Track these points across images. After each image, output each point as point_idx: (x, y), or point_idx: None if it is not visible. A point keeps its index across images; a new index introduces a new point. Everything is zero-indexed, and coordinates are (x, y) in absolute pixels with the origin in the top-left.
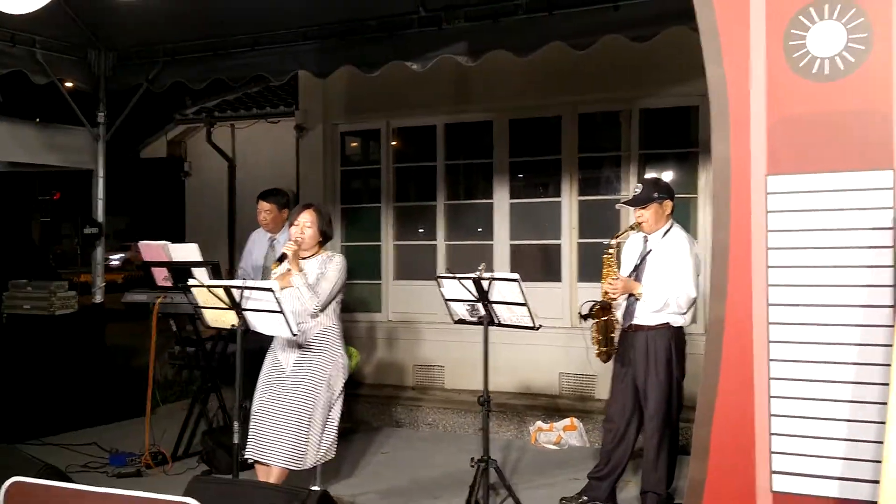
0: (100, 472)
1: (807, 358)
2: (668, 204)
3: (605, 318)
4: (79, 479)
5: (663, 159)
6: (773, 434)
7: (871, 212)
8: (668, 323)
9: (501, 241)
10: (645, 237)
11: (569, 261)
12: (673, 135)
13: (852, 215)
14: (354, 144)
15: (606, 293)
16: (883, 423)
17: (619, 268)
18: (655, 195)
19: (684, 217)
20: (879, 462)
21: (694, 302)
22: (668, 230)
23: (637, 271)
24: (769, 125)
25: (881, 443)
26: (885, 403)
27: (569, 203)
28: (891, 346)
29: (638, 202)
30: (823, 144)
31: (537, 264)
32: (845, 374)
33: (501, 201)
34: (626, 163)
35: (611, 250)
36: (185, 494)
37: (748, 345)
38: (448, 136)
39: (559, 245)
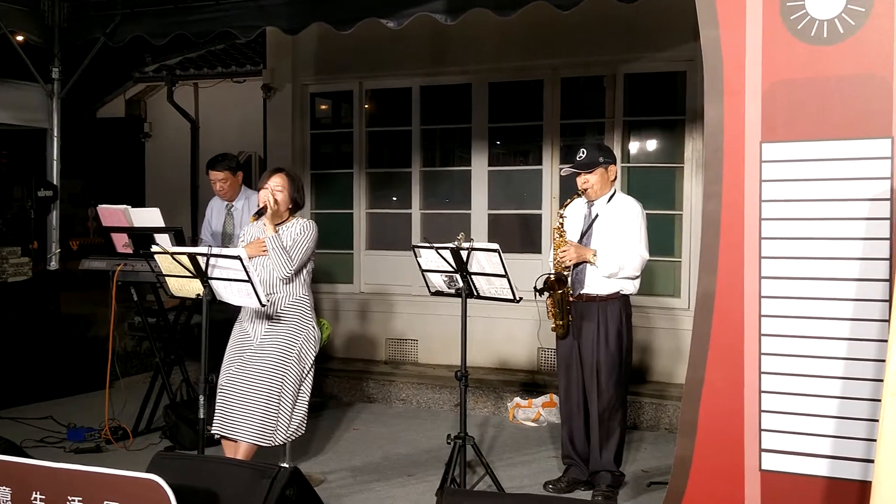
0: (57, 448)
1: (800, 333)
2: (613, 168)
3: (560, 291)
4: (35, 454)
5: (648, 127)
6: (763, 411)
7: (869, 181)
8: (619, 291)
9: (479, 211)
10: (589, 203)
11: (549, 232)
12: (659, 102)
13: (849, 185)
14: (325, 107)
15: (559, 263)
16: (875, 399)
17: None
18: (601, 159)
19: (669, 188)
20: (870, 440)
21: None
22: (612, 195)
23: (584, 238)
24: (765, 90)
25: (873, 420)
26: (878, 380)
27: (550, 171)
28: (886, 321)
29: (583, 167)
30: (821, 111)
31: (516, 235)
32: (838, 350)
33: (480, 168)
34: (609, 130)
35: (561, 220)
36: (148, 470)
37: (739, 319)
38: (424, 99)
39: (540, 215)
